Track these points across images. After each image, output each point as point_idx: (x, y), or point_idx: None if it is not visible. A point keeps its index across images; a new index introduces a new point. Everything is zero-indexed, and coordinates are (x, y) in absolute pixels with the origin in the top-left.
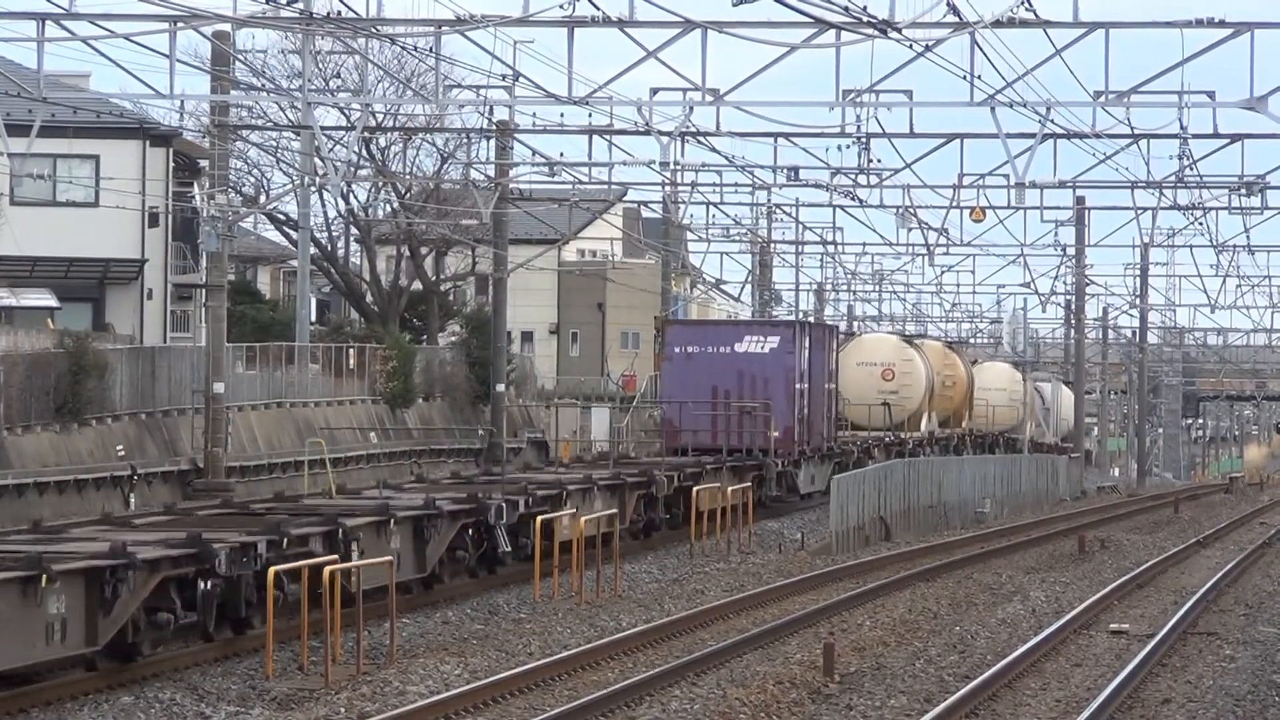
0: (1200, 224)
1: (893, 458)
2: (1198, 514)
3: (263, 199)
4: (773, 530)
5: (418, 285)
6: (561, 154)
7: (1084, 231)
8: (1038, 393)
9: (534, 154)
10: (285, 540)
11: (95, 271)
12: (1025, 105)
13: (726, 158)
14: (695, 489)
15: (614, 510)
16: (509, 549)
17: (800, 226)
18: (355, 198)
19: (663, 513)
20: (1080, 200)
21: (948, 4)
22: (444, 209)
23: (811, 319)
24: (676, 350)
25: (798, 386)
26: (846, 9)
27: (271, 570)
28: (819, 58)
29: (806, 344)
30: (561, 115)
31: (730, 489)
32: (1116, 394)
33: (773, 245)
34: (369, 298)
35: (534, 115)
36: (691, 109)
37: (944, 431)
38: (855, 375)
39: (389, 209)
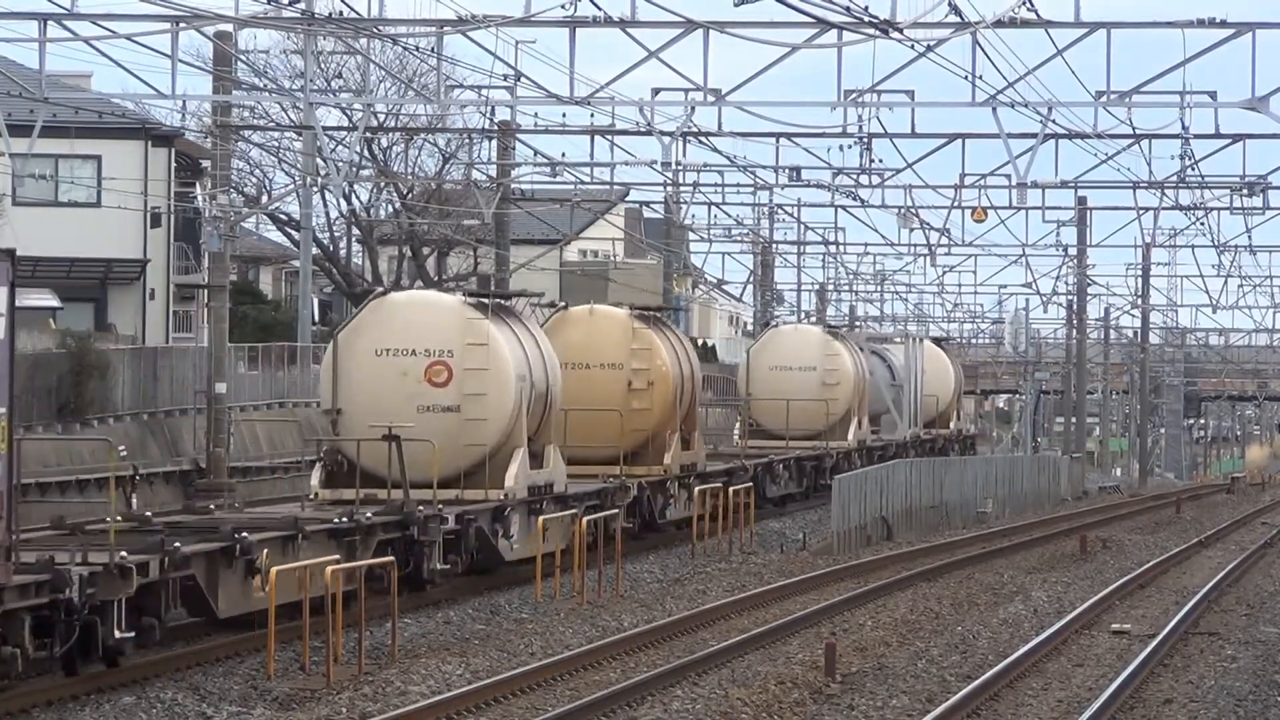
0: (1202, 224)
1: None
2: (1199, 514)
3: (265, 199)
4: (774, 530)
5: (420, 285)
6: (563, 154)
7: (1085, 232)
8: (882, 360)
9: (536, 154)
10: None
11: (97, 272)
12: (1027, 105)
13: (728, 158)
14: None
15: None
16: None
17: (802, 227)
18: (357, 198)
19: None
20: (1082, 200)
21: (949, 4)
22: (446, 209)
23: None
24: None
25: None
26: (848, 9)
27: (273, 571)
28: (821, 58)
29: None
30: (563, 115)
31: None
32: (1118, 394)
33: (774, 245)
34: None
35: (536, 115)
36: (693, 109)
37: (600, 479)
38: (370, 376)
39: (391, 209)
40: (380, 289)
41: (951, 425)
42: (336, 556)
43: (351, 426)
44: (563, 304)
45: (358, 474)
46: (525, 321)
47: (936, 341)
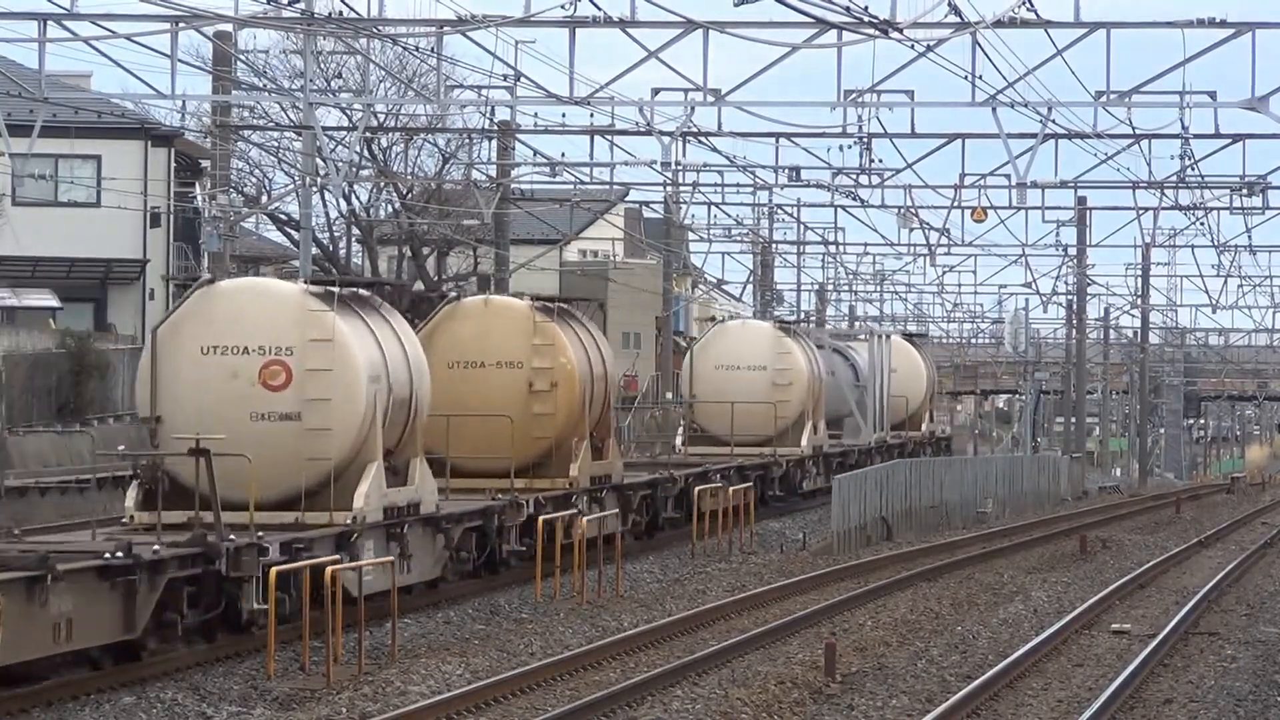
0: (1202, 224)
1: None
2: (1199, 514)
3: (264, 199)
4: (774, 530)
5: (419, 286)
6: (563, 154)
7: (1085, 232)
8: (845, 358)
9: (535, 154)
10: None
11: (97, 272)
12: (1026, 105)
13: (728, 158)
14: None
15: None
16: None
17: (802, 227)
18: (357, 198)
19: None
20: (1081, 200)
21: (949, 4)
22: (445, 209)
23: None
24: None
25: None
26: (848, 9)
27: (273, 571)
28: (820, 58)
29: None
30: (563, 115)
31: None
32: (1118, 394)
33: (774, 245)
34: None
35: (535, 115)
36: (693, 109)
37: (488, 495)
38: (195, 378)
39: (390, 209)
40: (207, 276)
41: (923, 427)
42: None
43: (174, 438)
44: (454, 295)
45: (160, 494)
46: (385, 314)
47: (908, 337)
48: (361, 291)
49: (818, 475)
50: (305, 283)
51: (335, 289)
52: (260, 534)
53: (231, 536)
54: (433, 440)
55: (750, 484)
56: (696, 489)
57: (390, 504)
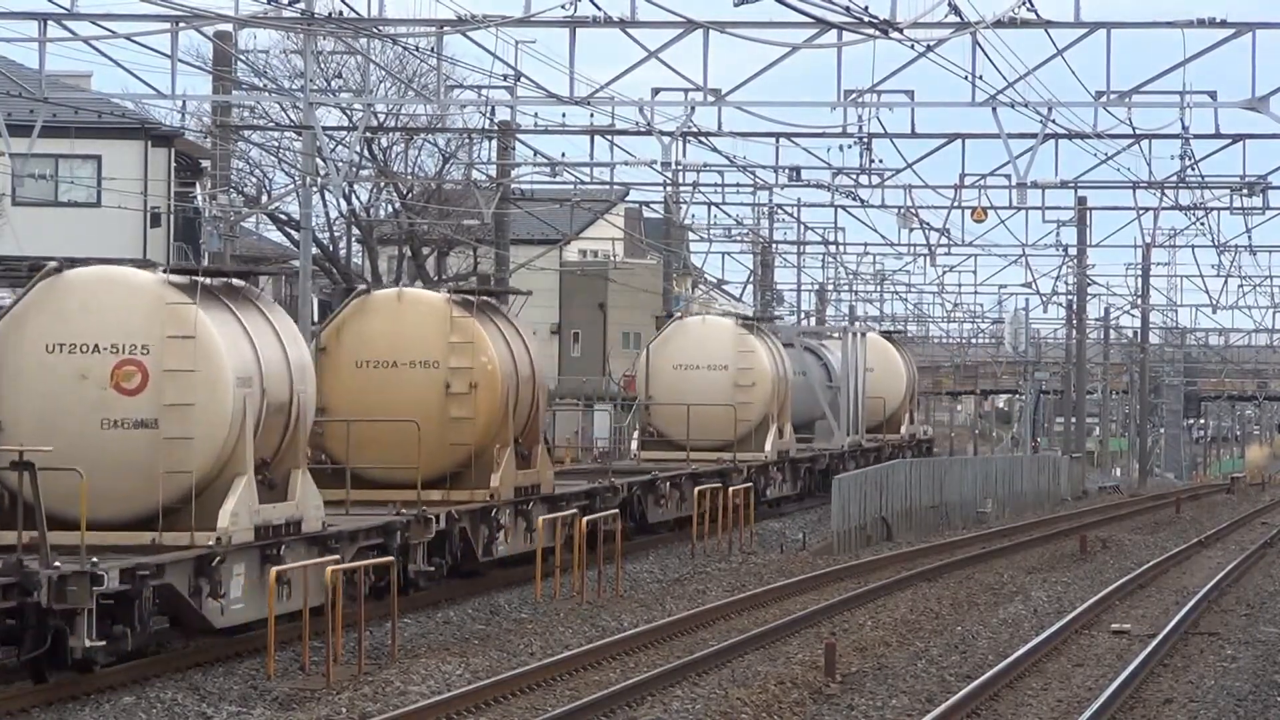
0: (1202, 224)
1: None
2: (1199, 514)
3: (264, 199)
4: (774, 530)
5: (419, 286)
6: (563, 154)
7: (1085, 232)
8: (818, 358)
9: (536, 154)
10: None
11: None
12: (1027, 105)
13: (728, 158)
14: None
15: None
16: None
17: (802, 227)
18: (357, 198)
19: None
20: (1082, 200)
21: (949, 4)
22: (446, 209)
23: (813, 320)
24: None
25: None
26: (848, 9)
27: (273, 571)
28: (820, 58)
29: None
30: (563, 115)
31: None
32: (1118, 394)
33: (774, 245)
34: None
35: (536, 115)
36: (693, 109)
37: (392, 509)
38: (39, 379)
39: (391, 209)
40: (54, 264)
41: (903, 430)
42: (333, 559)
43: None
44: (363, 287)
45: None
46: (262, 307)
47: (886, 335)
48: (234, 281)
49: (783, 482)
50: (165, 272)
51: (199, 278)
52: (94, 559)
53: (57, 563)
54: (338, 447)
55: (750, 485)
56: (696, 489)
57: (264, 522)
